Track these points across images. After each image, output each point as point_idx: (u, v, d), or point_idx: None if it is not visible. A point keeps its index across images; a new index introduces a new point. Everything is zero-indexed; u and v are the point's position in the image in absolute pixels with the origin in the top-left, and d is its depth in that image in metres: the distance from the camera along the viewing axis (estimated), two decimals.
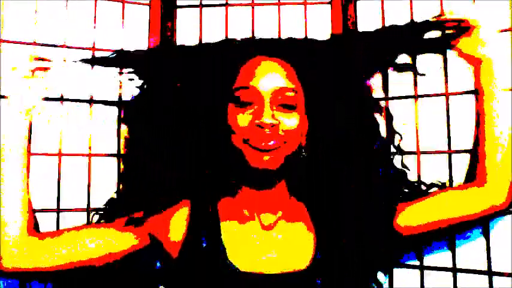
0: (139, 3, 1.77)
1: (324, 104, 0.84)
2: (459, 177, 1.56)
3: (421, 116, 1.64)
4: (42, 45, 1.64)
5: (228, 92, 0.82)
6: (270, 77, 0.80)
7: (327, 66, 0.89)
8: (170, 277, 0.81)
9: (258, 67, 0.82)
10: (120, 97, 1.67)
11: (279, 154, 0.79)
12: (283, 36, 1.75)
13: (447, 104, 1.60)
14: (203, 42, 0.90)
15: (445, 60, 1.61)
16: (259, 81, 0.80)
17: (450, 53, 1.61)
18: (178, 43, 1.80)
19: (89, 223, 1.60)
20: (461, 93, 1.58)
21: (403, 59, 1.51)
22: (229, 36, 1.78)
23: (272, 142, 0.77)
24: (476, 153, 0.88)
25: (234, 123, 0.80)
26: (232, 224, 0.85)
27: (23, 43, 1.62)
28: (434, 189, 0.96)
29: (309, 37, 0.92)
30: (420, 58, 1.64)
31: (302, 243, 0.85)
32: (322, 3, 1.78)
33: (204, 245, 0.80)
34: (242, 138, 0.79)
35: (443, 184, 1.02)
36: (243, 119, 0.79)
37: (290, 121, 0.79)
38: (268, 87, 0.79)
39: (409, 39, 0.92)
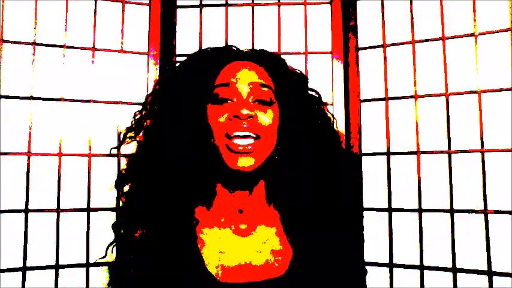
0: (139, 3, 1.77)
1: (293, 108, 0.88)
2: (459, 177, 1.57)
3: (420, 116, 1.64)
4: (42, 45, 1.64)
5: (207, 92, 0.84)
6: (246, 74, 0.84)
7: (294, 78, 0.92)
8: None
9: (235, 68, 0.86)
10: None
11: (256, 155, 0.80)
12: (283, 37, 1.78)
13: (447, 104, 1.60)
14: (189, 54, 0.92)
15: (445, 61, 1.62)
16: (237, 78, 0.83)
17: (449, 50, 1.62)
18: (178, 43, 1.80)
19: (88, 223, 1.61)
20: (461, 93, 1.59)
21: None
22: (229, 36, 1.79)
23: (249, 134, 0.79)
24: None
25: (213, 120, 0.81)
26: (208, 232, 0.85)
27: (23, 43, 1.62)
28: None
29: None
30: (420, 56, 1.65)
31: (278, 251, 0.85)
32: (322, 3, 1.79)
33: (182, 255, 0.80)
34: (221, 133, 0.80)
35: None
36: (222, 114, 0.81)
37: (265, 117, 0.82)
38: (245, 82, 0.83)
39: None
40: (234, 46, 0.95)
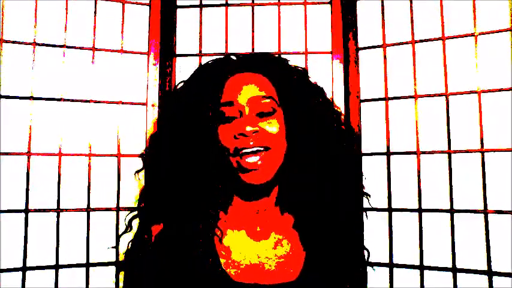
0: (139, 3, 1.77)
1: (299, 113, 0.91)
2: (459, 177, 1.57)
3: (420, 116, 1.64)
4: (42, 45, 1.65)
5: (214, 112, 0.88)
6: (247, 89, 0.88)
7: (298, 81, 0.97)
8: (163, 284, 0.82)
9: (236, 83, 0.89)
10: None
11: (266, 169, 0.84)
12: (283, 37, 1.78)
13: (447, 104, 1.60)
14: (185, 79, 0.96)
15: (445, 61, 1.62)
16: (239, 95, 0.87)
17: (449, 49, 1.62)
18: (178, 43, 1.80)
19: (88, 223, 1.61)
20: (461, 93, 1.59)
21: None
22: (229, 36, 1.79)
23: (257, 149, 0.83)
24: None
25: (224, 139, 0.86)
26: (225, 235, 0.89)
27: (23, 43, 1.62)
28: None
29: (282, 56, 0.97)
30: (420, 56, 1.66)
31: (291, 256, 0.89)
32: (322, 3, 1.79)
33: (199, 254, 0.84)
34: (232, 150, 0.85)
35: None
36: (230, 133, 0.85)
37: (270, 127, 0.86)
38: (247, 98, 0.86)
39: None
40: (233, 55, 0.97)
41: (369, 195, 1.00)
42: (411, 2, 1.69)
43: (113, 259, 1.63)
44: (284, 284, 0.83)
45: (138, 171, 0.97)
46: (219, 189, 0.90)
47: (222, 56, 0.98)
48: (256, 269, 0.85)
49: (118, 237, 1.63)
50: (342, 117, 0.97)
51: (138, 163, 0.99)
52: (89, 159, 1.64)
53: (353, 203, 0.93)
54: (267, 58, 0.95)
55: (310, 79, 0.96)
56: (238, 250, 0.86)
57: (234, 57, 0.96)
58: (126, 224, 0.94)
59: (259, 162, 0.82)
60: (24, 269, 1.54)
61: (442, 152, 1.59)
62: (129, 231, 0.94)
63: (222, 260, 0.84)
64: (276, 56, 0.97)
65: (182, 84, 0.95)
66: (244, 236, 0.89)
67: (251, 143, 0.82)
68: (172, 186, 0.87)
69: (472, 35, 1.58)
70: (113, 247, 1.58)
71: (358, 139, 1.71)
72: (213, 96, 0.88)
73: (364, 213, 1.05)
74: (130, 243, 0.90)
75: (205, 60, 1.75)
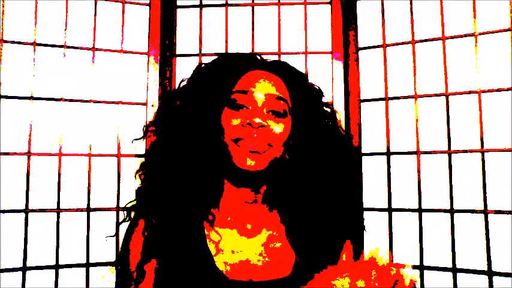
0: (139, 3, 1.77)
1: (305, 123, 0.93)
2: (459, 177, 1.57)
3: (420, 116, 1.64)
4: (42, 45, 1.64)
5: (225, 96, 0.89)
6: (265, 85, 0.89)
7: (310, 92, 0.99)
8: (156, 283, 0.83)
9: (255, 77, 0.91)
10: None
11: (263, 158, 0.85)
12: (283, 37, 1.79)
13: (447, 104, 1.60)
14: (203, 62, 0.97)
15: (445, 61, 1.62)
16: (255, 88, 0.88)
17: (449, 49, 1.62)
18: (178, 43, 1.80)
19: (88, 223, 1.61)
20: (461, 93, 1.59)
21: None
22: (229, 36, 1.79)
23: (258, 145, 0.84)
24: None
25: (227, 123, 0.87)
26: (217, 232, 0.90)
27: (23, 43, 1.62)
28: None
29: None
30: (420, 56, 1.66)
31: (284, 251, 0.90)
32: (322, 3, 1.79)
33: (191, 252, 0.85)
34: (232, 136, 0.86)
35: None
36: (236, 119, 0.86)
37: (277, 127, 0.87)
38: (262, 93, 0.88)
39: None
40: (258, 55, 0.99)
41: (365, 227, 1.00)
42: (411, 2, 1.69)
43: (113, 259, 1.63)
44: (277, 280, 0.84)
45: (138, 139, 0.98)
46: (212, 173, 0.90)
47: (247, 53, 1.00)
48: (249, 265, 0.86)
49: (118, 225, 1.62)
50: (346, 140, 0.99)
51: (138, 163, 0.99)
52: (89, 159, 1.64)
53: (348, 209, 0.94)
54: (289, 66, 0.98)
55: (324, 99, 0.98)
56: (230, 247, 0.87)
57: (258, 56, 0.97)
58: (125, 214, 0.94)
59: (257, 147, 0.84)
60: (24, 269, 1.54)
61: (442, 152, 1.59)
62: (128, 220, 0.94)
63: (215, 258, 0.85)
64: (298, 69, 0.99)
65: (204, 65, 0.96)
66: (235, 233, 0.89)
67: (255, 136, 0.83)
68: (166, 178, 0.88)
69: (472, 35, 1.58)
70: (111, 236, 1.57)
71: (358, 139, 1.71)
72: (228, 83, 0.89)
73: (364, 220, 1.05)
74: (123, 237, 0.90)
75: (205, 60, 1.76)
